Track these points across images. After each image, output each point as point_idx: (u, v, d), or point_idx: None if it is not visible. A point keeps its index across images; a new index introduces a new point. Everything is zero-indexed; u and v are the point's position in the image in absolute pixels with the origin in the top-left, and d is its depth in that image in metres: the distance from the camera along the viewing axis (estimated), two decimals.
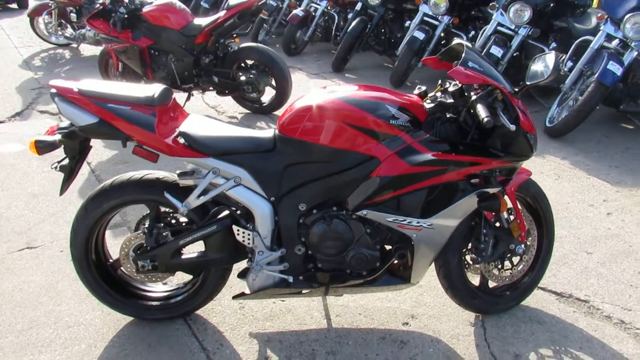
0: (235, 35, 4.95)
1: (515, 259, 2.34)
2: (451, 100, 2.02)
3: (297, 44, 7.48)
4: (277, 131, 2.04)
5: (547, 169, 4.07)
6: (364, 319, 2.36)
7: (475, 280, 2.37)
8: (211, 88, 4.99)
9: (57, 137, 1.97)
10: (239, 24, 4.68)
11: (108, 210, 2.11)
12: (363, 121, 1.92)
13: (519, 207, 2.28)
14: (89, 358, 2.15)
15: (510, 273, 2.34)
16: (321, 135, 1.96)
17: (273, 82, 4.87)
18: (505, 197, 2.13)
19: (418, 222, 2.00)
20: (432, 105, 2.05)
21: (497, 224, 2.22)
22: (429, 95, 2.11)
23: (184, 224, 2.20)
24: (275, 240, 2.09)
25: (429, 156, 1.91)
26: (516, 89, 1.97)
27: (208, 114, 5.08)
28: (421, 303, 2.46)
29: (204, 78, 4.86)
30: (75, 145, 2.04)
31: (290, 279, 2.11)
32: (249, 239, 2.07)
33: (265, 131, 2.08)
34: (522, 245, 2.25)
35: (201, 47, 4.78)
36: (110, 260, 2.31)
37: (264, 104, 5.03)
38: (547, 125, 4.68)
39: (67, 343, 2.22)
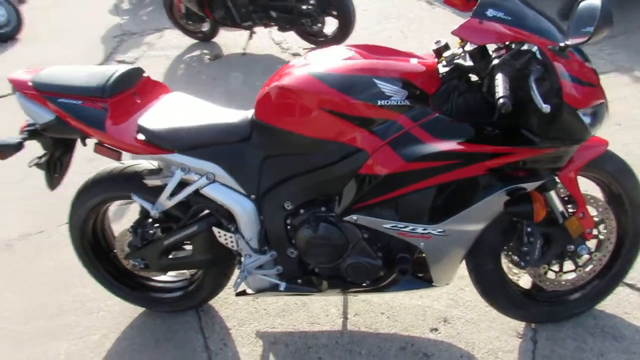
0: None
1: (582, 259, 1.78)
2: (470, 63, 1.47)
3: None
4: (253, 115, 1.67)
5: None
6: (386, 321, 2.02)
7: (526, 281, 1.87)
8: (273, 24, 4.59)
9: (20, 138, 1.80)
10: None
11: (93, 208, 1.96)
12: (341, 105, 1.47)
13: (585, 195, 1.69)
14: (100, 350, 2.12)
15: (574, 277, 1.80)
16: (297, 122, 1.56)
17: (335, 12, 4.32)
18: (552, 192, 1.58)
19: (425, 229, 1.56)
20: (446, 69, 1.51)
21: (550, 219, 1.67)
22: (445, 54, 1.56)
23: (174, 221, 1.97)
24: (263, 242, 1.79)
25: (432, 147, 1.42)
26: (567, 43, 1.33)
27: (271, 52, 4.75)
28: (459, 302, 2.04)
29: (261, 14, 4.46)
30: (48, 141, 1.87)
31: (283, 286, 1.82)
32: (232, 242, 1.79)
33: (242, 115, 1.72)
34: (586, 246, 1.69)
35: None
36: (114, 251, 2.20)
37: (328, 37, 4.52)
38: None
39: (84, 332, 2.21)
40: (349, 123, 1.48)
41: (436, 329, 1.95)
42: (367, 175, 1.50)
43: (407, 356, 1.88)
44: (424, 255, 1.65)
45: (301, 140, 1.57)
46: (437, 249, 1.62)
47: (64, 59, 5.61)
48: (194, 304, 2.14)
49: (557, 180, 1.59)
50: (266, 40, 5.00)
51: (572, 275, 1.80)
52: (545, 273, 1.78)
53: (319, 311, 2.10)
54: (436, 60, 1.57)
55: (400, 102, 1.45)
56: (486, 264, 1.72)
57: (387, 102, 1.45)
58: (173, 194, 1.76)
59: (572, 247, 1.68)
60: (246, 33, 4.72)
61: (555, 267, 1.78)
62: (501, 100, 1.21)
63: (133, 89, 1.80)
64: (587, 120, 1.37)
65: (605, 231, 1.76)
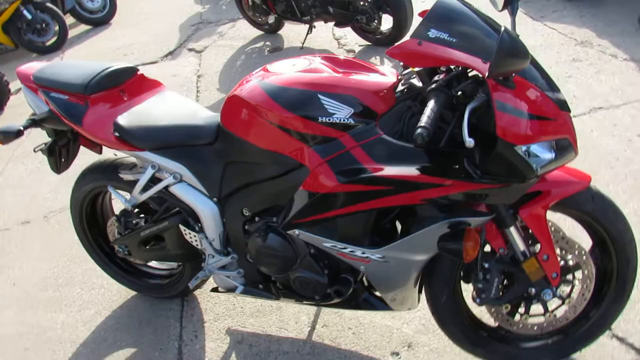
0: None
1: (553, 303, 1.62)
2: (420, 84, 1.39)
3: None
4: (220, 121, 1.70)
5: None
6: (351, 337, 1.97)
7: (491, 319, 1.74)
8: (330, 19, 4.58)
9: (20, 126, 1.96)
10: None
11: (87, 193, 2.11)
12: (283, 120, 1.45)
13: (559, 235, 1.54)
14: (90, 325, 2.29)
15: (542, 321, 1.65)
16: (249, 132, 1.56)
17: (390, 10, 4.21)
18: (511, 229, 1.45)
19: (364, 253, 1.50)
20: (402, 88, 1.44)
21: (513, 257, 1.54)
22: (405, 72, 1.48)
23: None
24: (225, 244, 1.83)
25: (366, 170, 1.36)
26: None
27: (329, 48, 4.74)
28: (430, 328, 1.94)
29: (319, 9, 4.46)
30: (50, 130, 2.03)
31: (239, 289, 1.85)
32: (196, 241, 1.84)
33: (212, 118, 1.76)
34: (552, 290, 1.54)
35: None
36: None
37: (384, 34, 4.42)
38: None
39: (83, 306, 2.40)
40: (292, 138, 1.46)
41: (397, 354, 1.88)
42: (307, 192, 1.47)
43: None
44: (344, 294, 1.60)
45: (255, 150, 1.57)
46: (379, 275, 1.56)
47: (141, 44, 6.01)
48: (175, 293, 2.23)
49: (517, 216, 1.45)
50: (327, 35, 5.00)
51: (540, 319, 1.64)
52: (511, 313, 1.64)
53: (290, 317, 2.10)
54: (398, 77, 1.50)
55: (343, 120, 1.40)
56: (441, 295, 1.61)
57: (329, 120, 1.40)
58: (145, 189, 1.84)
59: (534, 290, 1.53)
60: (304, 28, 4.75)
61: (521, 310, 1.63)
62: (418, 130, 1.12)
63: (121, 86, 1.89)
64: (532, 157, 1.24)
65: (581, 277, 1.59)
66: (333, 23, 4.64)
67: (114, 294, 2.42)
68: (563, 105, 1.31)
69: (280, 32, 5.39)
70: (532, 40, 3.97)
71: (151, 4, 7.70)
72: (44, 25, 6.32)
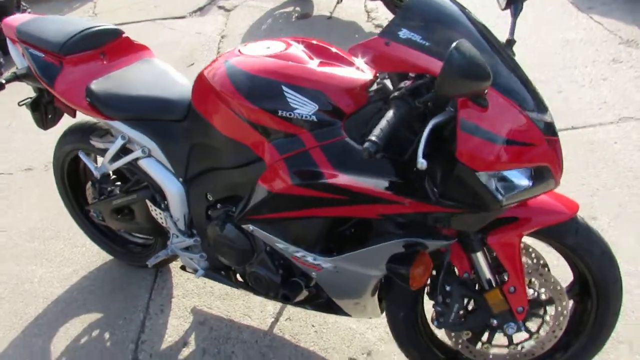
0: None
1: (519, 336, 1.49)
2: (392, 87, 1.26)
3: None
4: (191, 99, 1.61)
5: None
6: (312, 335, 1.90)
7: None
8: None
9: (3, 79, 1.91)
10: None
11: (67, 154, 2.07)
12: (242, 110, 1.35)
13: (532, 267, 1.40)
14: (67, 283, 2.30)
15: (505, 353, 1.53)
16: (213, 115, 1.47)
17: None
18: (478, 254, 1.32)
19: (315, 260, 1.40)
20: (374, 88, 1.31)
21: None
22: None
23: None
24: (190, 226, 1.77)
25: (322, 175, 1.25)
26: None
27: (357, 20, 4.54)
28: (392, 339, 1.84)
29: None
30: (35, 84, 1.98)
31: (200, 272, 1.79)
32: (161, 219, 1.79)
33: (187, 93, 1.66)
34: (517, 324, 1.41)
35: None
36: None
37: None
38: None
39: (63, 263, 2.41)
40: (252, 129, 1.35)
41: None
42: (263, 187, 1.37)
43: None
44: (290, 298, 1.53)
45: (218, 135, 1.47)
46: (331, 284, 1.46)
47: None
48: (144, 263, 2.20)
49: (485, 242, 1.32)
50: (359, 6, 4.77)
51: (502, 351, 1.52)
52: (473, 340, 1.53)
53: (257, 305, 2.05)
54: (376, 75, 1.36)
55: (305, 117, 1.28)
56: (399, 310, 1.51)
57: (290, 114, 1.28)
58: (114, 159, 1.78)
59: (496, 322, 1.41)
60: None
61: (483, 338, 1.52)
62: (365, 144, 0.99)
63: (102, 49, 1.81)
64: (494, 185, 1.10)
65: (554, 314, 1.45)
66: None
67: (94, 254, 2.41)
68: (548, 129, 1.15)
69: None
70: (573, 33, 3.68)
71: None
72: None
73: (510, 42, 1.32)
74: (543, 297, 1.45)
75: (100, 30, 1.81)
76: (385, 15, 4.45)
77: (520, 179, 1.15)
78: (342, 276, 1.41)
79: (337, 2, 4.51)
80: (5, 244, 2.57)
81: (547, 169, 1.15)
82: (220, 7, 5.44)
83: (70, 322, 2.11)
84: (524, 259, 1.45)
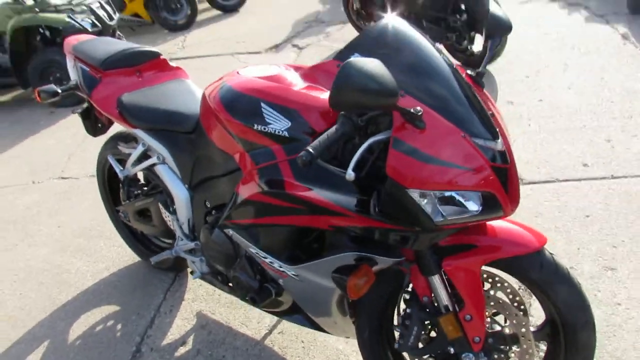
0: None
1: None
2: None
3: None
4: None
5: None
6: (299, 351, 1.95)
7: None
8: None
9: (59, 89, 2.21)
10: None
11: (107, 160, 2.32)
12: (225, 122, 1.48)
13: (495, 299, 1.38)
14: (98, 277, 2.53)
15: None
16: (209, 128, 1.63)
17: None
18: (435, 277, 1.33)
19: (281, 267, 1.48)
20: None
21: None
22: None
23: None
24: (193, 230, 1.92)
25: (285, 186, 1.34)
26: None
27: None
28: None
29: (414, 21, 4.36)
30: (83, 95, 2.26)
31: (197, 274, 1.93)
32: (170, 222, 1.96)
33: (198, 110, 1.84)
34: (475, 356, 1.38)
35: None
36: None
37: (475, 55, 4.20)
38: None
39: (99, 259, 2.66)
40: (234, 141, 1.49)
41: None
42: (238, 194, 1.49)
43: None
44: (257, 302, 1.63)
45: (213, 146, 1.62)
46: (296, 292, 1.52)
47: (255, 33, 6.36)
48: (165, 267, 2.37)
49: (441, 266, 1.33)
50: None
51: None
52: None
53: (256, 316, 2.13)
54: None
55: (278, 132, 1.38)
56: (364, 329, 1.53)
57: (264, 129, 1.40)
58: (135, 164, 1.99)
59: (453, 349, 1.39)
60: None
61: None
62: (301, 153, 1.08)
63: (138, 67, 2.05)
64: (424, 203, 1.12)
65: (519, 351, 1.41)
66: None
67: (126, 255, 2.64)
68: (496, 157, 1.16)
69: None
70: (637, 83, 3.51)
71: None
72: (178, 5, 6.97)
73: (480, 74, 1.36)
74: (507, 331, 1.41)
75: (139, 52, 2.05)
76: None
77: (469, 203, 1.16)
78: (305, 285, 1.47)
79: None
80: (58, 238, 2.89)
81: (492, 196, 1.16)
82: (294, 45, 5.78)
83: (92, 311, 2.31)
84: (499, 294, 1.44)
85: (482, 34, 3.99)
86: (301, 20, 6.76)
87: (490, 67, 4.20)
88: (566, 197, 2.53)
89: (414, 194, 1.11)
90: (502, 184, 1.16)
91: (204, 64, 5.57)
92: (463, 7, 4.08)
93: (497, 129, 1.21)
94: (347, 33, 5.69)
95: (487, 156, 1.14)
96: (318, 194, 1.27)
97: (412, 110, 1.10)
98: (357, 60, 0.99)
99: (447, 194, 1.14)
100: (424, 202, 1.13)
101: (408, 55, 1.21)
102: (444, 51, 1.26)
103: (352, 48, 1.23)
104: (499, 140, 1.18)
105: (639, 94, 3.39)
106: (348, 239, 1.34)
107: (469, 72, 1.38)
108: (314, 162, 1.07)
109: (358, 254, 1.31)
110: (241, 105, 1.44)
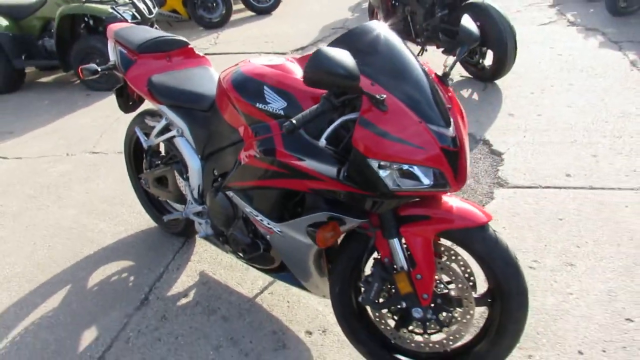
0: None
1: (433, 326, 1.71)
2: None
3: (628, 1, 5.91)
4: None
5: None
6: (284, 308, 2.23)
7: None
8: (439, 45, 4.72)
9: (99, 68, 2.54)
10: None
11: (134, 133, 2.64)
12: (234, 100, 1.78)
13: (443, 263, 1.64)
14: (117, 237, 2.86)
15: (420, 340, 1.74)
16: (221, 105, 1.93)
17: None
18: (394, 240, 1.59)
19: (269, 224, 1.76)
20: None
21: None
22: None
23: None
24: (202, 195, 2.22)
25: (275, 153, 1.63)
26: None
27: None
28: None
29: (431, 33, 4.63)
30: (119, 75, 2.59)
31: (202, 234, 2.22)
32: (183, 188, 2.26)
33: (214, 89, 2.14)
34: (422, 310, 1.64)
35: (432, 1, 4.52)
36: None
37: (486, 69, 4.43)
38: None
39: (120, 222, 2.99)
40: (239, 116, 1.78)
41: (310, 333, 2.09)
42: (239, 161, 1.78)
43: (270, 339, 2.07)
44: (247, 254, 1.93)
45: (223, 121, 1.92)
46: (279, 248, 1.80)
47: (283, 35, 6.69)
48: (177, 231, 2.68)
49: (399, 232, 1.59)
50: (438, 59, 5.10)
51: (417, 338, 1.74)
52: (397, 327, 1.76)
53: (250, 278, 2.42)
54: None
55: (275, 110, 1.67)
56: (335, 285, 1.80)
57: (264, 107, 1.68)
58: (158, 135, 2.31)
59: (405, 304, 1.65)
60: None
61: (404, 325, 1.75)
62: (285, 123, 1.35)
63: (168, 53, 2.37)
64: (383, 173, 1.39)
65: (461, 313, 1.66)
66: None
67: (145, 220, 2.96)
68: (446, 140, 1.42)
69: None
70: (634, 107, 3.70)
71: (314, 2, 8.44)
72: (214, 4, 7.36)
73: (446, 74, 1.63)
74: (453, 294, 1.66)
75: (170, 40, 2.37)
76: (458, 70, 4.75)
77: (423, 177, 1.43)
78: (287, 241, 1.75)
79: (419, 54, 4.89)
80: (85, 202, 3.23)
81: (441, 173, 1.42)
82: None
83: (109, 264, 2.63)
84: (453, 265, 1.69)
85: (492, 50, 4.23)
86: (329, 26, 7.07)
87: (499, 82, 4.43)
88: (544, 201, 2.76)
89: (373, 162, 1.39)
90: (449, 163, 1.42)
91: (232, 60, 5.90)
92: (479, 23, 4.32)
93: (452, 119, 1.47)
94: None
95: (438, 139, 1.41)
96: (301, 162, 1.56)
97: (377, 95, 1.37)
98: (328, 48, 1.27)
99: (405, 167, 1.41)
100: (383, 172, 1.39)
101: (383, 53, 1.48)
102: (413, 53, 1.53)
103: (339, 42, 1.50)
104: (451, 128, 1.45)
105: (633, 117, 3.58)
106: (323, 202, 1.62)
107: (436, 73, 1.64)
108: (295, 130, 1.35)
109: (330, 214, 1.59)
110: (248, 86, 1.73)
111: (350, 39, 1.51)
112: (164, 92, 2.21)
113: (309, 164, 1.53)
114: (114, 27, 2.52)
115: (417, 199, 1.60)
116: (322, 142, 1.36)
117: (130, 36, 2.40)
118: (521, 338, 1.62)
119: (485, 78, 4.44)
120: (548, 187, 2.88)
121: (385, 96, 1.39)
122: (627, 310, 2.04)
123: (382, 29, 1.55)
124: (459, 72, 4.74)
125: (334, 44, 1.51)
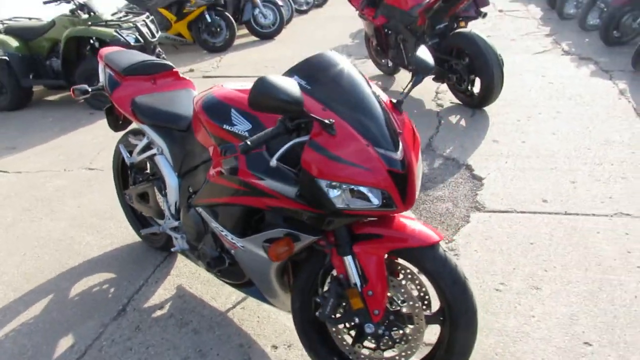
0: (461, 20, 4.55)
1: (385, 342, 1.77)
2: None
3: (622, 31, 6.03)
4: None
5: None
6: (253, 323, 2.29)
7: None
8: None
9: (90, 88, 2.67)
10: (446, 8, 4.30)
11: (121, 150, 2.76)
12: (202, 121, 1.88)
13: (395, 281, 1.71)
14: (103, 250, 2.95)
15: (370, 354, 1.80)
16: (195, 127, 2.03)
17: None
18: (347, 258, 1.66)
19: (232, 239, 1.85)
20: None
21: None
22: None
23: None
24: (178, 211, 2.31)
25: (237, 172, 1.73)
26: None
27: (424, 100, 4.97)
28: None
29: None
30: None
31: (177, 248, 2.31)
32: (161, 203, 2.36)
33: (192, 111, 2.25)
34: (374, 326, 1.71)
35: (422, 30, 4.65)
36: None
37: (474, 97, 4.52)
38: None
39: (106, 236, 3.09)
40: (208, 136, 1.89)
41: (276, 347, 2.15)
42: (207, 179, 1.88)
43: (237, 352, 2.14)
44: (213, 267, 2.02)
45: (196, 142, 2.03)
46: (243, 262, 1.88)
47: (283, 60, 6.85)
48: (158, 246, 2.77)
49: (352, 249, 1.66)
50: (431, 86, 5.23)
51: (365, 352, 1.80)
52: (344, 339, 1.82)
53: (225, 293, 2.49)
54: None
55: (241, 132, 1.77)
56: (296, 301, 1.87)
57: (230, 128, 1.79)
58: (140, 153, 2.42)
59: (357, 319, 1.71)
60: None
61: (357, 340, 1.81)
62: (240, 144, 1.44)
63: (153, 76, 2.50)
64: (332, 193, 1.47)
65: (412, 328, 1.72)
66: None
67: (130, 235, 3.05)
68: (394, 164, 1.49)
69: (396, 75, 5.77)
70: (618, 135, 3.77)
71: (314, 29, 8.65)
72: (218, 29, 7.57)
73: (399, 102, 1.72)
74: (404, 311, 1.72)
75: (155, 64, 2.50)
76: (449, 97, 4.85)
77: (373, 197, 1.51)
78: (249, 256, 1.83)
79: (410, 81, 5.00)
80: (76, 216, 3.34)
81: (387, 194, 1.50)
82: None
83: (92, 276, 2.72)
84: (408, 283, 1.76)
85: (480, 78, 4.34)
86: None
87: (487, 109, 4.52)
88: (518, 225, 2.82)
89: (322, 183, 1.47)
90: (396, 185, 1.50)
91: None
92: (467, 52, 4.43)
93: (401, 143, 1.56)
94: (369, 67, 6.09)
95: (385, 162, 1.49)
96: (261, 181, 1.65)
97: (326, 120, 1.47)
98: (272, 76, 1.37)
99: (355, 188, 1.49)
100: (333, 192, 1.48)
101: (337, 81, 1.58)
102: (374, 86, 1.63)
103: (292, 71, 1.61)
104: (399, 152, 1.53)
105: (616, 144, 3.65)
106: (281, 219, 1.70)
107: (392, 100, 1.74)
108: (249, 151, 1.45)
109: (287, 230, 1.67)
110: (217, 109, 1.84)
111: (306, 66, 1.61)
112: (145, 112, 2.32)
113: (267, 183, 1.62)
114: (105, 50, 2.66)
115: (372, 218, 1.67)
116: (274, 162, 1.45)
117: (118, 60, 2.53)
118: (476, 358, 1.67)
119: (474, 105, 4.53)
120: (523, 212, 2.94)
121: (334, 120, 1.48)
122: (586, 334, 2.08)
123: (335, 57, 1.64)
124: (449, 99, 4.84)
125: (290, 71, 1.61)
